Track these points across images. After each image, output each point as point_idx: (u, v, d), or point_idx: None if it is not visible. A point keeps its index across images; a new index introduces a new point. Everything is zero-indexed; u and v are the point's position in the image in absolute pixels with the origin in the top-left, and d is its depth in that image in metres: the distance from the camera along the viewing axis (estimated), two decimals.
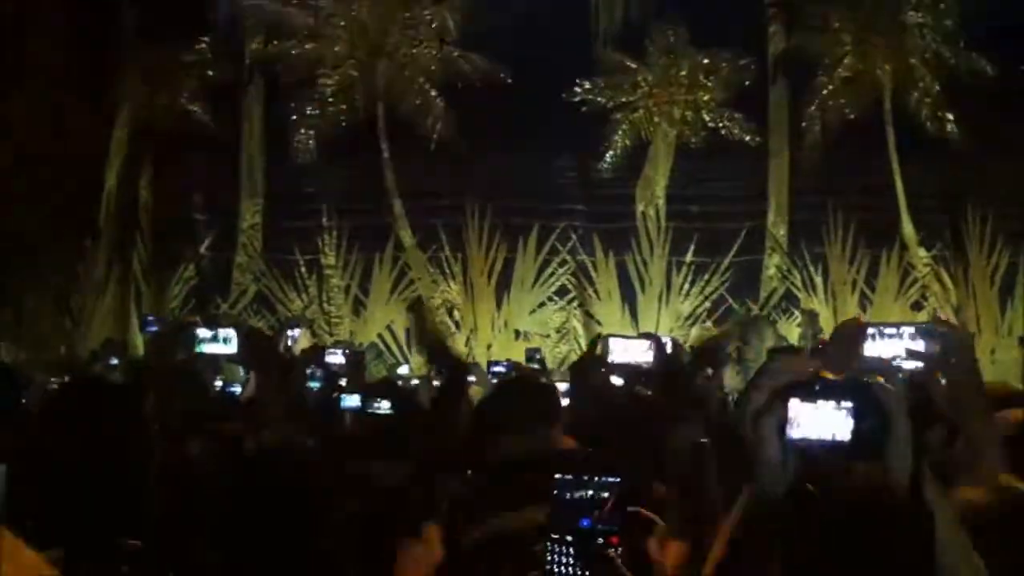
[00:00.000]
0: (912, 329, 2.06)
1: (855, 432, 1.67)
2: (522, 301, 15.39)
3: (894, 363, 2.10)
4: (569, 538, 1.98)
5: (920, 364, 2.07)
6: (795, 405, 1.74)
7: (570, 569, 1.97)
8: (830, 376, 1.78)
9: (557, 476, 2.06)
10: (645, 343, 4.89)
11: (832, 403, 1.69)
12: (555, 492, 2.04)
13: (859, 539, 1.83)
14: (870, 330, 2.12)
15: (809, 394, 1.71)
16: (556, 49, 14.90)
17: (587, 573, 1.95)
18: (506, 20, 14.95)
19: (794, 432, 1.73)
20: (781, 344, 14.58)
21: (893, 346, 2.08)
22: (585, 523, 1.99)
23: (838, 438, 1.68)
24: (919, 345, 2.03)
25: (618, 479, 2.03)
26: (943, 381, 2.20)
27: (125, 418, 3.21)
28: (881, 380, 1.72)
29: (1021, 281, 15.17)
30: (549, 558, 2.01)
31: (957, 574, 1.73)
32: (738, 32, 15.28)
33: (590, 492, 2.04)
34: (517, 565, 2.03)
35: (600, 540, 1.96)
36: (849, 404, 1.68)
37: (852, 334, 2.12)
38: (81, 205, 14.85)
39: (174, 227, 15.41)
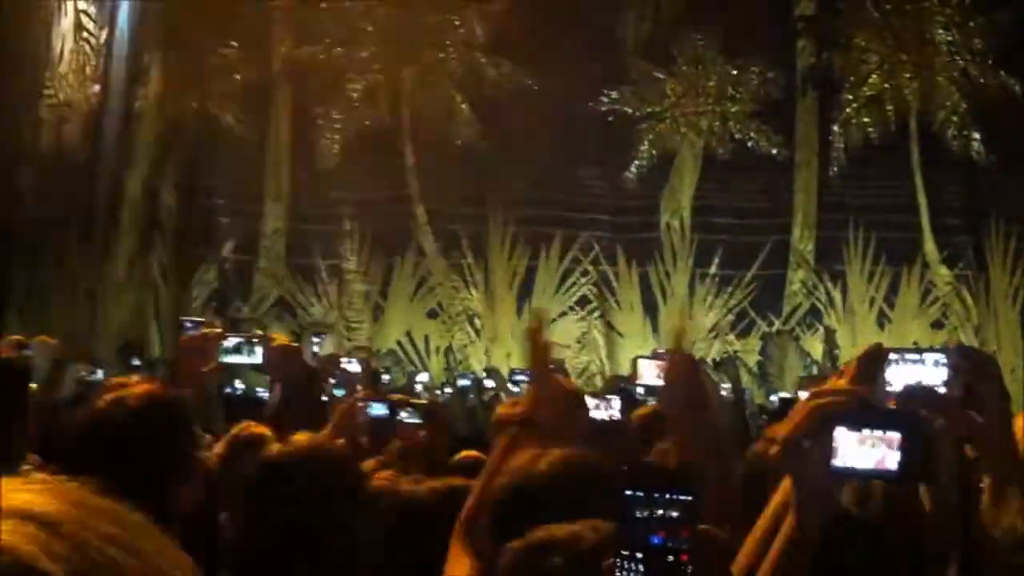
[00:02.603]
0: (936, 356, 2.03)
1: (902, 462, 1.64)
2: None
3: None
4: (639, 555, 1.96)
5: (946, 392, 2.04)
6: (841, 434, 1.71)
7: None
8: (875, 404, 1.75)
9: (628, 492, 2.05)
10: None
11: (879, 432, 1.67)
12: (625, 508, 2.03)
13: (907, 565, 1.80)
14: (892, 356, 2.08)
15: (854, 423, 1.69)
16: (584, 57, 14.87)
17: None
18: (534, 27, 14.93)
19: (839, 461, 1.71)
20: (803, 360, 14.64)
21: (918, 372, 2.05)
22: (656, 540, 1.98)
23: (884, 468, 1.66)
24: (942, 373, 2.00)
25: (689, 496, 2.01)
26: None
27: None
28: (929, 411, 1.70)
29: None
30: (619, 575, 1.99)
31: None
32: (767, 45, 15.25)
33: (660, 509, 2.02)
34: None
35: (670, 558, 1.95)
36: (896, 434, 1.66)
37: (874, 360, 2.08)
38: (108, 204, 14.89)
39: (197, 229, 15.40)
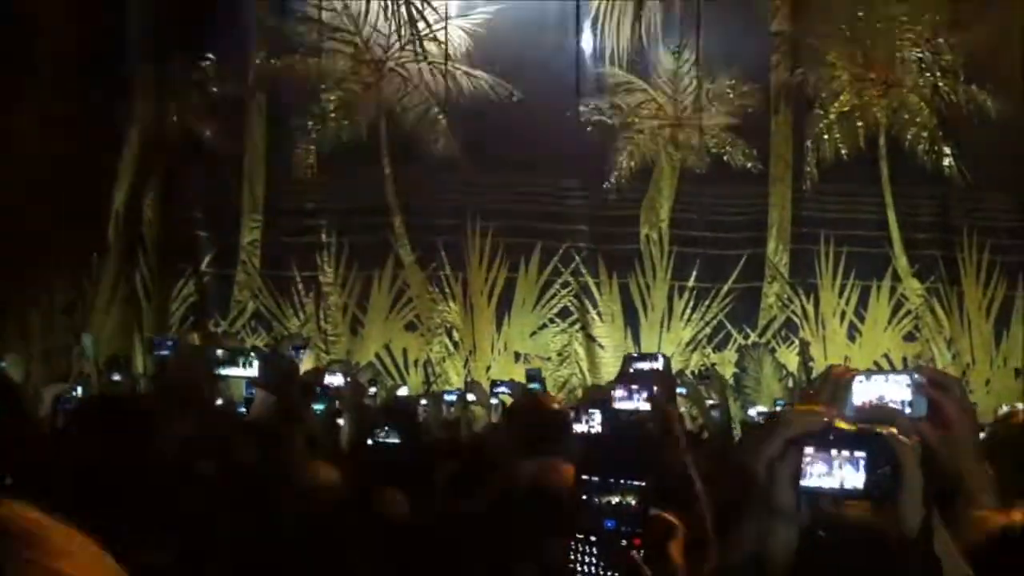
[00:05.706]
0: (901, 377, 2.06)
1: (867, 482, 1.68)
2: (523, 323, 15.25)
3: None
4: (593, 538, 2.01)
5: (911, 412, 2.06)
6: (809, 453, 1.75)
7: (594, 568, 2.00)
8: (844, 425, 1.78)
9: (584, 477, 2.10)
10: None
11: (845, 452, 1.71)
12: (581, 493, 2.08)
13: None
14: (858, 377, 2.11)
15: (823, 443, 1.73)
16: (562, 68, 14.94)
17: (610, 572, 1.98)
18: (511, 38, 15.00)
19: (807, 480, 1.75)
20: (779, 372, 14.73)
21: (883, 390, 2.07)
22: (609, 524, 2.02)
23: (850, 487, 1.70)
24: (907, 393, 2.03)
25: (642, 483, 2.06)
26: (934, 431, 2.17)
27: (146, 435, 3.24)
28: (893, 430, 1.74)
29: (1017, 313, 15.24)
30: (573, 557, 2.04)
31: None
32: (743, 60, 15.37)
33: (615, 495, 2.07)
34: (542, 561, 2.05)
35: (623, 541, 1.99)
36: (862, 454, 1.70)
37: (839, 380, 2.10)
38: (89, 220, 14.82)
39: (176, 244, 15.31)
